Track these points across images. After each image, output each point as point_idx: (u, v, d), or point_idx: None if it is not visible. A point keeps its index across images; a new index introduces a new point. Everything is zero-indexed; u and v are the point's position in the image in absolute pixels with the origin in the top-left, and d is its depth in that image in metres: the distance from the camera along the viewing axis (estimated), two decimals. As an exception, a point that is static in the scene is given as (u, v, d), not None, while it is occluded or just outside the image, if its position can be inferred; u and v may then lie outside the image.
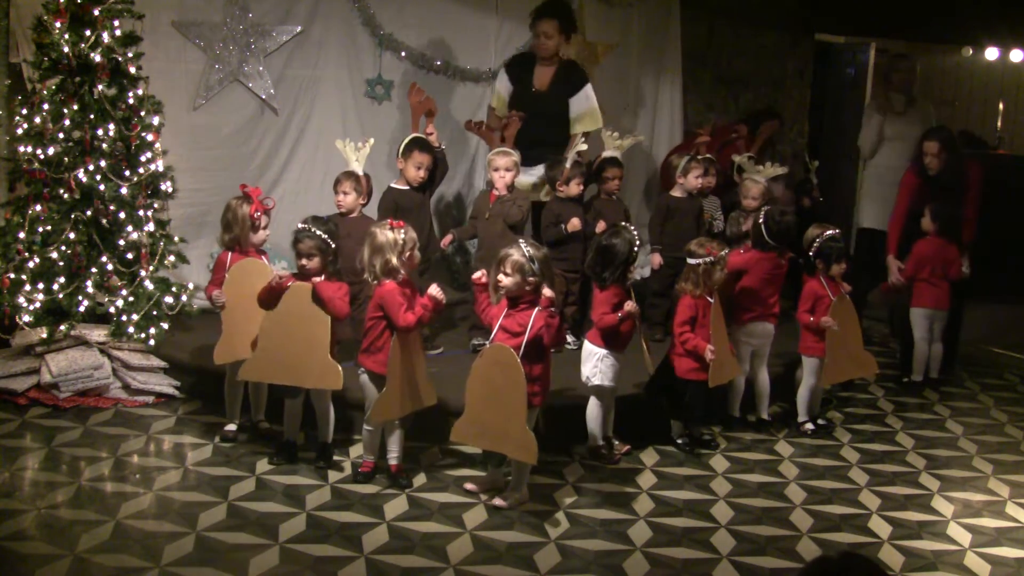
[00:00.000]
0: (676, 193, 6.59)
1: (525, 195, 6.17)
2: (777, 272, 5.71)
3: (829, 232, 5.63)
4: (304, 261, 4.69)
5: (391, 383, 4.54)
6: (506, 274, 4.48)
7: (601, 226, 5.90)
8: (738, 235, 6.38)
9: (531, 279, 4.45)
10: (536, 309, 4.45)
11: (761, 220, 5.67)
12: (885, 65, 8.69)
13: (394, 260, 4.55)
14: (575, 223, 6.04)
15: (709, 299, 5.23)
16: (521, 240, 4.64)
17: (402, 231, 4.61)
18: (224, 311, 4.96)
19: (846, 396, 6.36)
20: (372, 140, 5.93)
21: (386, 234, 4.58)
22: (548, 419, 4.94)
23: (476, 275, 4.61)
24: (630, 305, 4.89)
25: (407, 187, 5.91)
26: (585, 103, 6.61)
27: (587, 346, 5.11)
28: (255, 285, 4.75)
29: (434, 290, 4.56)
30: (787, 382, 5.98)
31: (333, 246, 4.71)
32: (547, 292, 4.47)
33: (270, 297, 4.69)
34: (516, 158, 6.09)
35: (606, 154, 6.56)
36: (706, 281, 5.21)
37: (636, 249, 5.02)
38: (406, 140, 5.94)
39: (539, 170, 6.48)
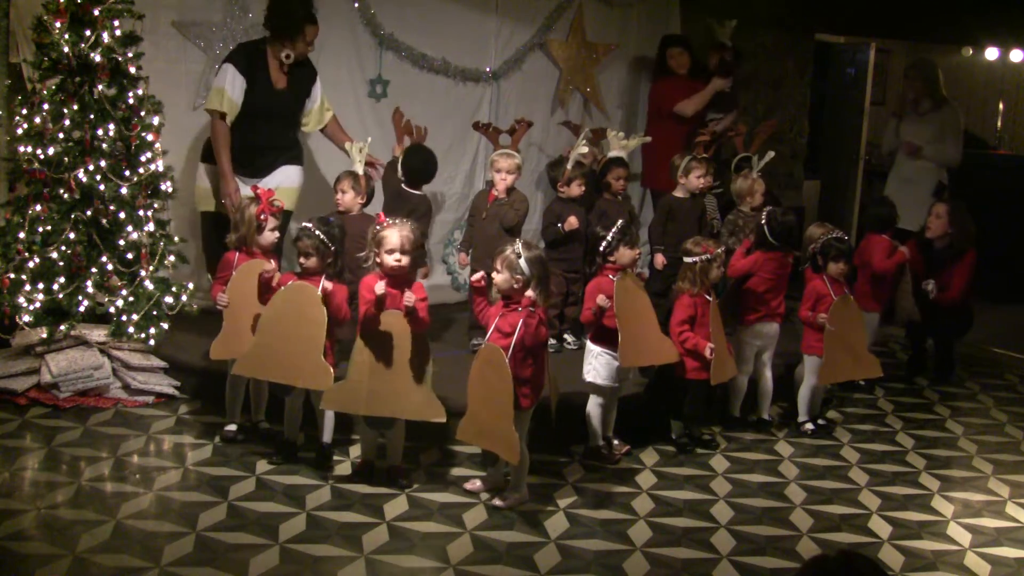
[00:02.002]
0: (678, 194, 6.59)
1: (524, 198, 6.14)
2: (782, 272, 5.70)
3: (833, 233, 5.63)
4: (302, 260, 4.72)
5: (348, 373, 4.58)
6: (497, 271, 4.49)
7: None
8: (744, 226, 6.40)
9: (518, 276, 4.43)
10: (520, 308, 4.43)
11: (763, 220, 5.67)
12: (905, 68, 8.78)
13: (366, 253, 4.61)
14: (572, 222, 6.03)
15: (708, 298, 5.23)
16: (519, 239, 4.63)
17: (378, 227, 4.61)
18: (226, 309, 4.96)
19: (846, 396, 6.36)
20: (370, 139, 5.92)
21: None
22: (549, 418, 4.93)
23: (474, 277, 4.60)
24: (601, 299, 4.87)
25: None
26: (317, 100, 6.26)
27: (587, 344, 5.14)
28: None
29: (378, 286, 4.50)
30: (787, 382, 5.98)
31: (332, 248, 4.72)
32: (529, 293, 4.42)
33: (261, 289, 4.72)
34: (519, 161, 6.07)
35: (611, 154, 6.56)
36: (703, 279, 5.22)
37: (617, 230, 5.01)
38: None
39: (291, 175, 6.14)
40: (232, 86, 5.81)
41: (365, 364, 4.56)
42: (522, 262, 4.41)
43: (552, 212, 6.24)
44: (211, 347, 5.00)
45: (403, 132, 6.34)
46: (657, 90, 7.74)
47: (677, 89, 7.53)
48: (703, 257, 5.22)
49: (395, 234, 4.54)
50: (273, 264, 4.86)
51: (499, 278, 4.47)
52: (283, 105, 6.03)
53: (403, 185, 6.06)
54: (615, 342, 4.93)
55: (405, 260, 4.56)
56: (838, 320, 5.52)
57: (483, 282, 4.54)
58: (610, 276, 5.01)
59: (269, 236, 5.06)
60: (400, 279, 4.57)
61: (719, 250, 5.29)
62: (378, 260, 4.57)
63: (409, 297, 4.50)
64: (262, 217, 4.99)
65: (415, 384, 4.60)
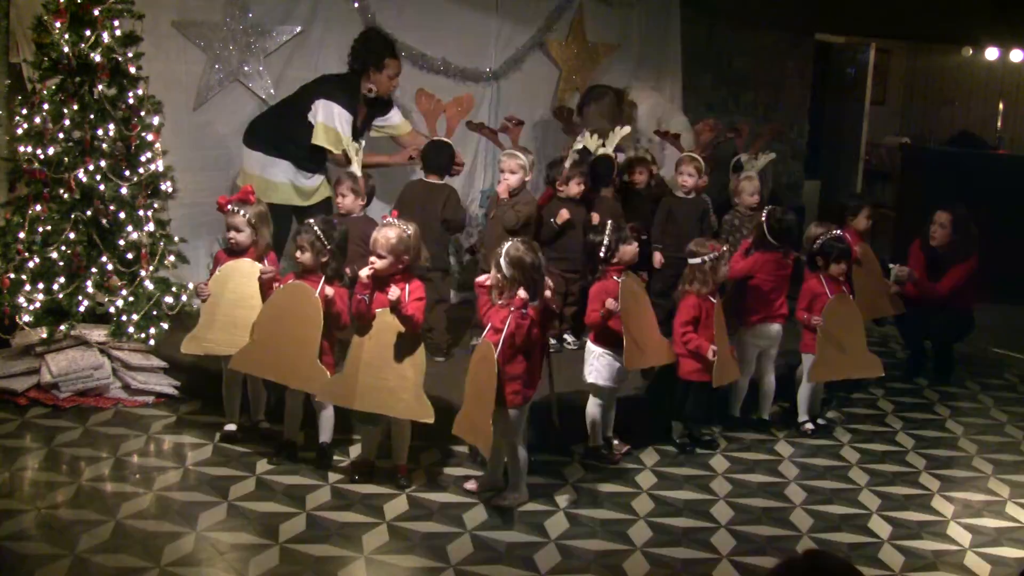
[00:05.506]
0: (678, 193, 6.59)
1: (529, 200, 6.08)
2: (782, 272, 5.68)
3: (832, 232, 5.63)
4: (297, 253, 4.74)
5: (344, 366, 4.66)
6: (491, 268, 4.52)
7: (595, 218, 5.88)
8: (740, 226, 6.40)
9: (498, 276, 4.42)
10: (512, 308, 4.41)
11: (763, 220, 5.66)
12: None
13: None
14: (563, 214, 5.96)
15: (712, 299, 5.22)
16: (515, 239, 4.59)
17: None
18: (204, 304, 4.98)
19: (846, 396, 6.36)
20: (363, 142, 5.92)
21: None
22: (549, 418, 4.92)
23: (480, 279, 4.59)
24: (610, 303, 4.87)
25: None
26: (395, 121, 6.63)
27: (587, 344, 5.13)
28: (240, 284, 4.85)
29: (363, 271, 4.55)
30: (788, 382, 5.98)
31: (328, 247, 4.71)
32: (521, 293, 4.37)
33: (262, 291, 4.81)
34: (523, 161, 6.01)
35: (600, 152, 6.54)
36: (713, 278, 5.20)
37: (610, 231, 4.99)
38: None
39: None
40: (343, 125, 6.05)
41: (358, 359, 4.58)
42: (501, 261, 4.40)
43: (550, 211, 6.22)
44: (183, 342, 5.04)
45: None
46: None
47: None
48: (710, 256, 5.20)
49: (375, 234, 4.59)
50: (271, 267, 4.87)
51: (490, 275, 4.49)
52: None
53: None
54: (616, 343, 4.93)
55: (379, 263, 4.53)
56: (834, 319, 5.51)
57: (488, 282, 4.53)
58: (614, 278, 5.00)
59: (238, 236, 4.97)
60: (389, 279, 4.56)
61: (724, 248, 5.28)
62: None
63: (393, 292, 4.48)
64: (227, 207, 4.96)
65: (405, 383, 4.58)
